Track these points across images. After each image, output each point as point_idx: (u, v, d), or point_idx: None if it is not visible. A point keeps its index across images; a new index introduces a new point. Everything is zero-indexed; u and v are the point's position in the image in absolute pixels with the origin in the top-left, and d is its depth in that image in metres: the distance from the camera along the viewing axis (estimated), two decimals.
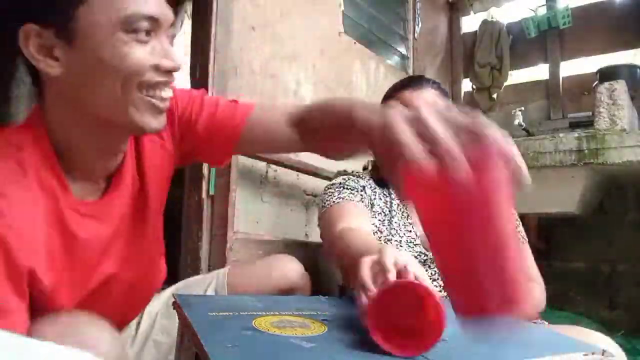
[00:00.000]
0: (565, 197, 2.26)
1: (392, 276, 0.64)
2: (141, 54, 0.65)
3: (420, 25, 2.93)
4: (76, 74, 0.66)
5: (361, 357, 0.55)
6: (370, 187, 1.30)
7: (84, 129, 0.70)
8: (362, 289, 0.66)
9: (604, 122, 2.14)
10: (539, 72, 3.35)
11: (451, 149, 0.40)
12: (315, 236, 1.76)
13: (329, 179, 1.55)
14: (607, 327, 2.37)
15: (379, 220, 1.24)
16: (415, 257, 1.16)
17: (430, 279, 0.99)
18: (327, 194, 1.25)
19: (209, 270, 1.38)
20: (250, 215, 1.69)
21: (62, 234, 0.70)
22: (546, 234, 2.89)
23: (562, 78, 3.19)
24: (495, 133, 0.41)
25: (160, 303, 1.05)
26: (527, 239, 1.29)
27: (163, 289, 1.09)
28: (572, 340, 0.65)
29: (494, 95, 3.37)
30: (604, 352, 0.58)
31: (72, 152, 0.71)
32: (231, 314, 0.67)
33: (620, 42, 3.01)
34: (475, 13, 3.51)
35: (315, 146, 0.81)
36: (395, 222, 1.23)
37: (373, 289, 0.64)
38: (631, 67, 2.67)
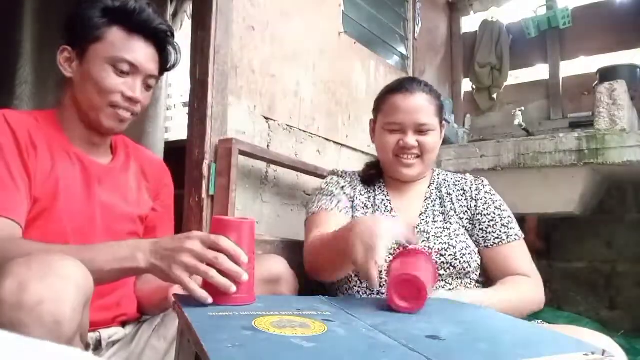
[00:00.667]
0: (565, 197, 2.26)
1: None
2: (114, 81, 1.00)
3: (420, 25, 2.93)
4: (79, 80, 1.02)
5: (361, 356, 0.55)
6: (352, 185, 1.37)
7: (78, 115, 1.05)
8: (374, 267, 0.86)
9: (604, 122, 2.14)
10: (539, 72, 3.35)
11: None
12: None
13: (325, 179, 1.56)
14: (607, 327, 2.37)
15: (362, 213, 1.31)
16: (395, 250, 1.19)
17: None
18: (311, 200, 1.37)
19: None
20: (250, 215, 1.69)
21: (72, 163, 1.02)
22: (546, 234, 2.90)
23: (562, 78, 3.19)
24: None
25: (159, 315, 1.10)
26: (523, 237, 1.29)
27: None
28: (572, 340, 0.66)
29: (494, 95, 3.37)
30: (604, 352, 0.58)
31: (72, 130, 1.05)
32: (231, 314, 0.67)
33: (620, 42, 3.01)
34: (475, 13, 3.51)
35: None
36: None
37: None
38: (631, 67, 2.67)
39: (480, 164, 2.36)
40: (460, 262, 1.19)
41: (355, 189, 1.36)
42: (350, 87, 2.25)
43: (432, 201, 1.32)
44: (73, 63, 1.02)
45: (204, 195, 1.47)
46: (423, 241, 1.22)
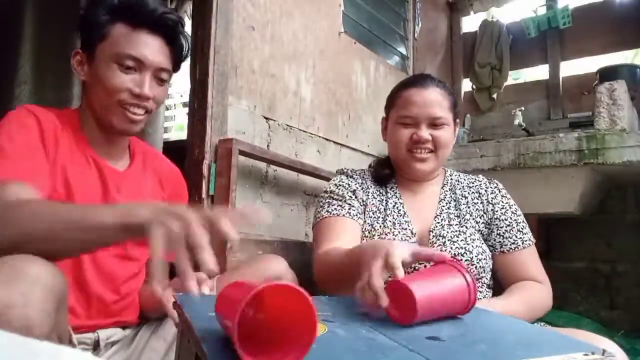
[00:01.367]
0: (565, 197, 2.26)
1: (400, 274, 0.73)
2: (120, 79, 0.98)
3: (420, 25, 2.93)
4: (89, 82, 1.02)
5: (361, 357, 0.55)
6: (363, 187, 1.31)
7: (94, 118, 1.04)
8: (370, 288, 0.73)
9: (604, 122, 2.14)
10: (539, 72, 3.35)
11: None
12: None
13: (328, 179, 1.55)
14: (607, 327, 2.37)
15: (374, 217, 1.27)
16: None
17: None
18: (320, 202, 1.31)
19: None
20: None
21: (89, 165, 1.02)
22: (546, 234, 2.89)
23: (562, 78, 3.18)
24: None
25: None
26: (534, 242, 1.28)
27: None
28: (572, 340, 0.65)
29: (494, 95, 3.37)
30: (604, 352, 0.58)
31: (90, 132, 1.04)
32: None
33: (620, 42, 3.01)
34: (475, 13, 3.51)
35: None
36: (390, 220, 1.25)
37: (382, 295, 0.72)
38: (631, 67, 2.67)
39: (480, 164, 2.35)
40: (476, 267, 1.17)
41: (367, 191, 1.31)
42: (350, 87, 2.25)
43: (446, 203, 1.29)
44: (84, 66, 1.02)
45: (204, 195, 1.47)
46: (438, 246, 1.19)
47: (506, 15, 3.47)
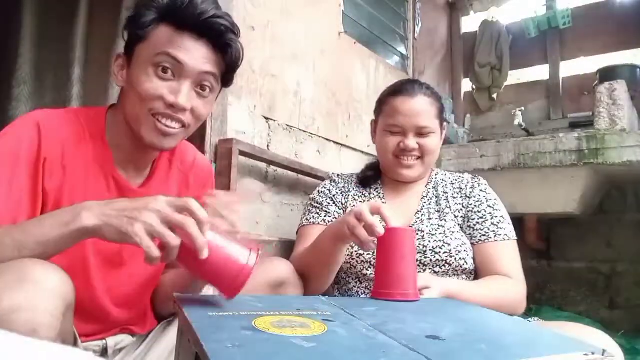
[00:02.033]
0: (565, 197, 2.26)
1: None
2: (155, 85, 0.86)
3: (420, 25, 2.93)
4: (127, 88, 0.91)
5: (361, 356, 0.55)
6: (343, 191, 1.38)
7: (125, 129, 0.93)
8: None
9: (604, 122, 2.14)
10: (539, 72, 3.35)
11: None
12: None
13: (325, 179, 1.57)
14: (607, 327, 2.37)
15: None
16: None
17: None
18: (305, 208, 1.39)
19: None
20: (250, 215, 1.69)
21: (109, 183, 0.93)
22: (546, 234, 2.90)
23: (562, 78, 3.19)
24: None
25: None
26: (515, 238, 1.27)
27: None
28: (572, 340, 0.66)
29: (494, 95, 3.37)
30: (604, 352, 0.58)
31: (116, 138, 0.94)
32: (231, 314, 0.67)
33: (620, 42, 3.02)
34: (475, 13, 3.51)
35: None
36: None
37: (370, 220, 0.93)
38: (631, 67, 2.67)
39: (480, 164, 2.36)
40: (455, 259, 1.19)
41: (347, 194, 1.36)
42: (350, 87, 2.25)
43: (428, 200, 1.33)
44: (124, 70, 0.91)
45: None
46: (417, 239, 1.22)
47: (506, 15, 3.48)
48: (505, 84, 3.36)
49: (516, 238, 1.27)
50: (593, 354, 0.57)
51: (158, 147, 0.91)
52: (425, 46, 3.04)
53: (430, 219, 1.28)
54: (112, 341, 0.99)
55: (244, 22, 1.69)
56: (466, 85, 3.51)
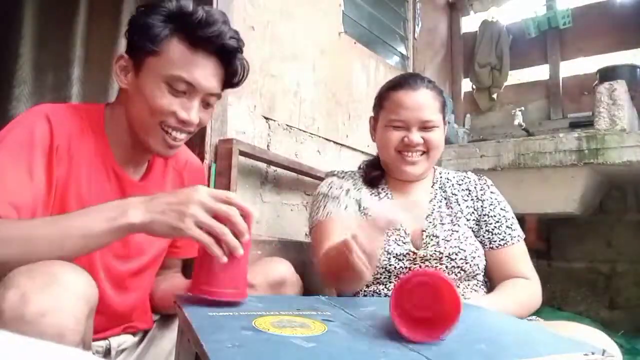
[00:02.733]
0: (565, 197, 2.26)
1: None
2: (168, 101, 0.89)
3: (420, 25, 2.93)
4: (132, 93, 0.92)
5: (361, 356, 0.55)
6: (356, 187, 1.31)
7: (127, 129, 0.96)
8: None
9: (604, 122, 2.14)
10: (539, 72, 3.35)
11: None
12: None
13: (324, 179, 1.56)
14: (607, 327, 2.37)
15: (368, 217, 1.24)
16: (404, 255, 1.17)
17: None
18: (315, 205, 1.29)
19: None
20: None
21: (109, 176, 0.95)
22: (546, 234, 2.89)
23: (562, 78, 3.19)
24: None
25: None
26: (523, 237, 1.28)
27: None
28: (572, 340, 0.66)
29: (494, 95, 3.37)
30: (604, 352, 0.58)
31: (116, 134, 0.97)
32: (231, 313, 0.67)
33: (620, 42, 3.02)
34: (475, 13, 3.51)
35: None
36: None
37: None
38: (631, 67, 2.67)
39: (480, 164, 2.36)
40: (470, 265, 1.17)
41: (360, 191, 1.30)
42: (350, 87, 2.25)
43: (437, 202, 1.28)
44: (129, 74, 0.92)
45: None
46: (432, 246, 1.18)
47: (506, 15, 3.48)
48: (505, 84, 3.36)
49: (524, 236, 1.28)
50: (593, 354, 0.57)
51: (163, 156, 0.97)
52: (425, 46, 3.04)
53: (442, 223, 1.24)
54: (115, 342, 1.00)
55: (244, 22, 1.69)
56: (466, 85, 3.51)
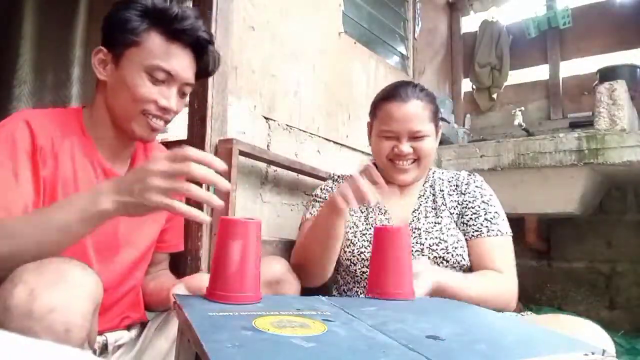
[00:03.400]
0: (565, 197, 2.26)
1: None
2: (149, 90, 0.95)
3: (420, 25, 2.93)
4: (112, 84, 0.97)
5: (361, 356, 0.55)
6: None
7: (110, 119, 1.00)
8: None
9: (604, 122, 2.14)
10: (539, 72, 3.35)
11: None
12: None
13: (326, 179, 1.58)
14: (607, 327, 2.37)
15: (356, 216, 1.33)
16: None
17: None
18: (307, 204, 1.41)
19: (209, 270, 1.38)
20: (250, 215, 1.69)
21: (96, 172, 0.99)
22: (546, 234, 2.90)
23: (562, 78, 3.19)
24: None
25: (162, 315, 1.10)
26: (510, 234, 1.27)
27: None
28: (572, 340, 0.66)
29: (494, 95, 3.37)
30: (604, 352, 0.58)
31: (99, 131, 1.01)
32: (231, 314, 0.67)
33: (620, 42, 3.02)
34: (475, 13, 3.51)
35: None
36: (372, 218, 1.31)
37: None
38: (631, 67, 2.67)
39: (480, 164, 2.36)
40: (452, 255, 1.20)
41: None
42: (350, 87, 2.25)
43: (425, 198, 1.33)
44: (108, 66, 0.97)
45: None
46: (414, 237, 1.23)
47: (506, 15, 3.48)
48: (505, 84, 3.36)
49: (511, 234, 1.27)
50: (593, 354, 0.57)
51: (145, 140, 1.02)
52: (425, 46, 3.04)
53: (426, 217, 1.29)
54: (112, 337, 1.01)
55: (244, 22, 1.69)
56: (466, 85, 3.51)
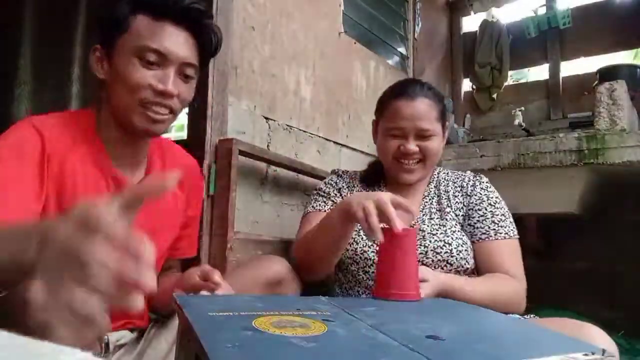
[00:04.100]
0: (565, 197, 2.26)
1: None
2: (142, 74, 0.89)
3: (420, 25, 2.93)
4: (110, 80, 0.93)
5: (361, 356, 0.55)
6: (349, 186, 1.38)
7: (114, 119, 0.95)
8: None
9: (604, 122, 2.14)
10: (539, 72, 3.36)
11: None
12: None
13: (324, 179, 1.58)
14: (607, 327, 2.37)
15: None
16: None
17: None
18: (310, 198, 1.39)
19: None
20: (250, 215, 1.69)
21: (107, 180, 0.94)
22: (546, 234, 2.89)
23: (562, 78, 3.19)
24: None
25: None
26: (517, 237, 1.27)
27: None
28: (572, 340, 0.66)
29: (494, 95, 3.37)
30: (604, 352, 0.58)
31: (108, 134, 0.96)
32: (231, 314, 0.67)
33: (620, 42, 3.02)
34: (475, 13, 3.51)
35: None
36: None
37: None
38: (631, 67, 2.67)
39: (480, 164, 2.36)
40: (456, 258, 1.19)
41: (352, 189, 1.36)
42: (350, 87, 2.25)
43: (429, 199, 1.32)
44: (104, 62, 0.93)
45: (204, 195, 1.47)
46: (419, 239, 1.21)
47: (506, 15, 3.48)
48: (505, 84, 3.36)
49: (518, 237, 1.27)
50: (593, 354, 0.57)
51: (150, 133, 0.95)
52: (425, 46, 3.04)
53: (431, 218, 1.27)
54: (113, 337, 1.00)
55: (244, 22, 1.69)
56: (466, 85, 3.51)
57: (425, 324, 0.70)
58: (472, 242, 1.25)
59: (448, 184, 1.35)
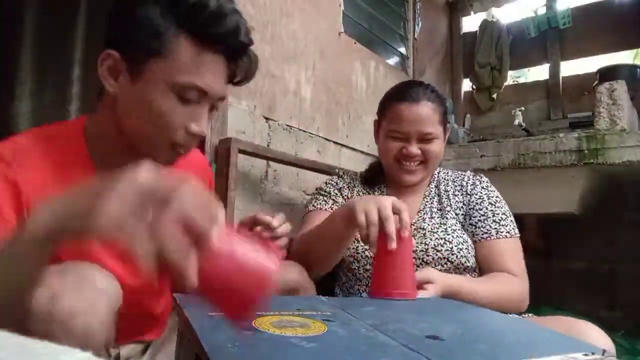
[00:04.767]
0: (565, 197, 2.26)
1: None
2: (179, 113, 0.76)
3: (420, 25, 2.93)
4: (126, 100, 0.77)
5: (361, 356, 0.55)
6: (350, 186, 1.38)
7: (115, 141, 0.82)
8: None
9: (604, 122, 2.14)
10: (539, 72, 3.36)
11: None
12: None
13: (327, 172, 1.59)
14: (607, 327, 2.37)
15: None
16: None
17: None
18: (312, 197, 1.39)
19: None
20: (250, 214, 1.69)
21: None
22: (546, 234, 2.89)
23: (562, 78, 3.19)
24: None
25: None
26: (518, 235, 1.27)
27: None
28: (572, 340, 0.66)
29: (494, 95, 3.37)
30: (604, 352, 0.58)
31: (101, 152, 0.83)
32: None
33: (620, 42, 3.02)
34: (475, 13, 3.51)
35: None
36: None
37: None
38: (631, 67, 2.67)
39: (480, 164, 2.36)
40: (457, 256, 1.19)
41: (353, 190, 1.37)
42: (350, 87, 2.25)
43: (430, 199, 1.32)
44: (120, 76, 0.77)
45: None
46: (419, 237, 1.22)
47: (506, 15, 3.49)
48: (505, 84, 3.36)
49: (519, 235, 1.27)
50: (593, 354, 0.57)
51: (169, 165, 0.85)
52: (425, 46, 3.04)
53: (432, 217, 1.28)
54: (124, 351, 0.98)
55: None
56: (466, 85, 3.51)
57: (425, 324, 0.70)
58: (474, 242, 1.25)
59: (448, 183, 1.35)
